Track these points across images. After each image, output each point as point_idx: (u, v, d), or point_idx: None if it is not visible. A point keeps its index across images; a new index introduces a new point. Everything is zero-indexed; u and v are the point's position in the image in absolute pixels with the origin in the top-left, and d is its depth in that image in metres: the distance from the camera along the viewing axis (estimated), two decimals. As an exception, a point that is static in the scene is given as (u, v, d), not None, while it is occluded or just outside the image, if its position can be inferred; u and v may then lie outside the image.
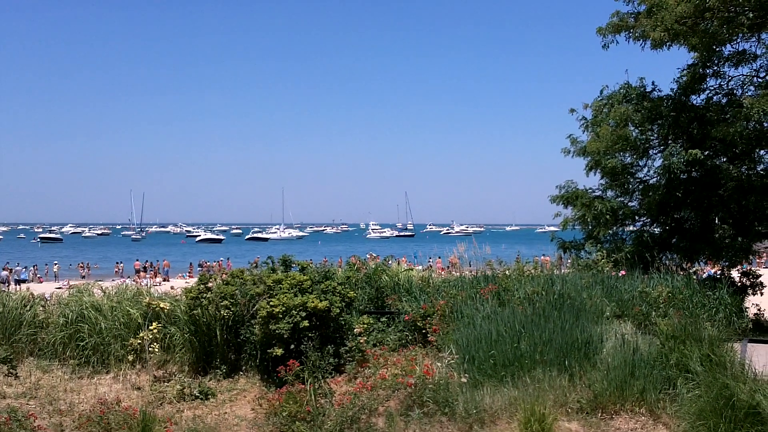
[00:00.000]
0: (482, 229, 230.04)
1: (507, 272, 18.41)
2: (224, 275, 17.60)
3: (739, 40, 19.69)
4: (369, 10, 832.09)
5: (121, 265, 69.38)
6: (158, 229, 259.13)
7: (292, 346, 14.91)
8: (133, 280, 40.35)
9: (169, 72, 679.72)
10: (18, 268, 57.72)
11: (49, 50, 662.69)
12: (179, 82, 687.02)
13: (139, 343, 16.28)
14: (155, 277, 58.17)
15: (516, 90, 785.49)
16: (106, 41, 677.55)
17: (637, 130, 20.73)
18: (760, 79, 20.12)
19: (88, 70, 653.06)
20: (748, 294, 19.71)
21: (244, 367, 16.08)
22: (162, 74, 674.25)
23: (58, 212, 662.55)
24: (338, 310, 15.43)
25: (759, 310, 19.22)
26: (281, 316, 14.93)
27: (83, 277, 59.55)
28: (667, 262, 20.26)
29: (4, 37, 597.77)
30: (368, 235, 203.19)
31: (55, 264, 69.73)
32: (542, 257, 26.16)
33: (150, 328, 16.41)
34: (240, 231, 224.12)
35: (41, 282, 58.70)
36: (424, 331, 15.77)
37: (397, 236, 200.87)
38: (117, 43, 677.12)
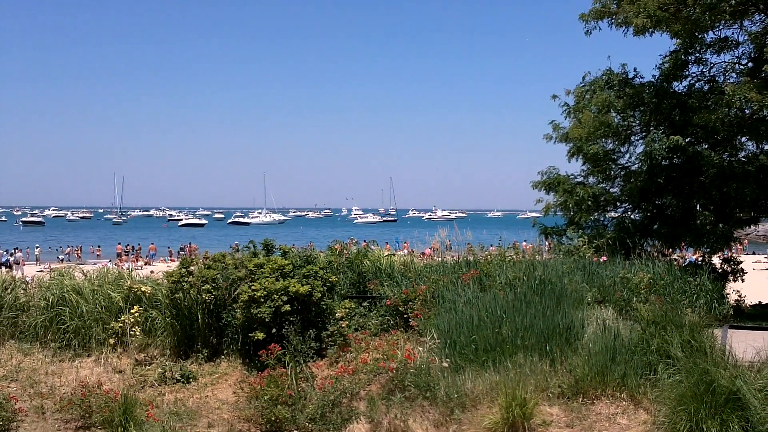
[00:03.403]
0: (464, 214, 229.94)
1: (489, 258, 18.43)
2: (205, 259, 17.56)
3: (721, 27, 19.78)
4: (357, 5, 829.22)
5: (71, 248, 69.29)
6: (141, 213, 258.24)
7: (274, 330, 14.93)
8: (115, 264, 40.27)
9: (153, 56, 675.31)
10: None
11: (30, 29, 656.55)
12: (163, 66, 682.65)
13: (120, 327, 16.24)
14: (137, 260, 57.95)
15: (499, 76, 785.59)
16: (89, 22, 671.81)
17: (619, 117, 20.75)
18: (742, 66, 20.19)
19: (71, 50, 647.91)
20: (729, 280, 19.77)
21: (225, 351, 16.07)
22: (145, 58, 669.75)
23: (40, 195, 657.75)
24: (320, 295, 15.43)
25: (740, 296, 19.28)
26: (263, 300, 14.93)
27: (61, 260, 59.13)
28: (648, 248, 20.30)
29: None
30: (355, 221, 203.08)
31: (37, 247, 69.46)
32: (523, 243, 26.18)
33: (131, 311, 16.38)
34: (222, 215, 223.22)
35: (23, 265, 58.30)
36: (405, 315, 15.77)
37: (383, 221, 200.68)
38: (100, 23, 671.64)
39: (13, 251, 62.43)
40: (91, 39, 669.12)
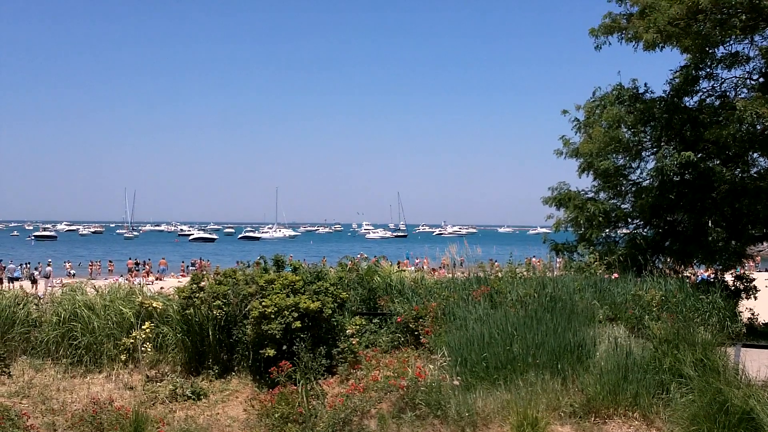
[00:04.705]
0: (475, 230, 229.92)
1: (499, 274, 18.40)
2: (216, 275, 17.58)
3: (732, 41, 19.69)
4: (365, 7, 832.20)
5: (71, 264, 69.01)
6: (152, 228, 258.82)
7: (285, 347, 14.90)
8: (126, 279, 40.33)
9: (164, 71, 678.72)
10: (11, 266, 57.45)
11: (42, 41, 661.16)
12: (173, 82, 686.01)
13: (131, 343, 16.27)
14: (148, 275, 57.98)
15: (510, 90, 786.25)
16: (101, 35, 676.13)
17: (629, 132, 20.70)
18: (753, 81, 20.12)
19: (81, 62, 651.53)
20: (742, 298, 19.57)
21: (236, 368, 16.07)
22: (156, 73, 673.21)
23: (52, 210, 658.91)
24: (330, 311, 15.41)
25: (752, 314, 19.11)
26: (273, 316, 14.92)
27: (72, 275, 59.04)
28: (660, 265, 20.21)
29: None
30: (367, 236, 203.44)
31: (49, 262, 69.53)
32: (533, 259, 26.14)
33: (143, 327, 16.41)
34: (233, 230, 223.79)
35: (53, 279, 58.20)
36: (416, 332, 15.76)
37: (395, 236, 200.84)
38: (111, 37, 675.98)
39: (24, 264, 62.59)
40: (101, 50, 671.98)
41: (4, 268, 56.13)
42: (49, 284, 39.84)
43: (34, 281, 49.10)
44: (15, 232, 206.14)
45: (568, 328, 14.07)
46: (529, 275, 18.19)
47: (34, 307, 17.93)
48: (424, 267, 38.46)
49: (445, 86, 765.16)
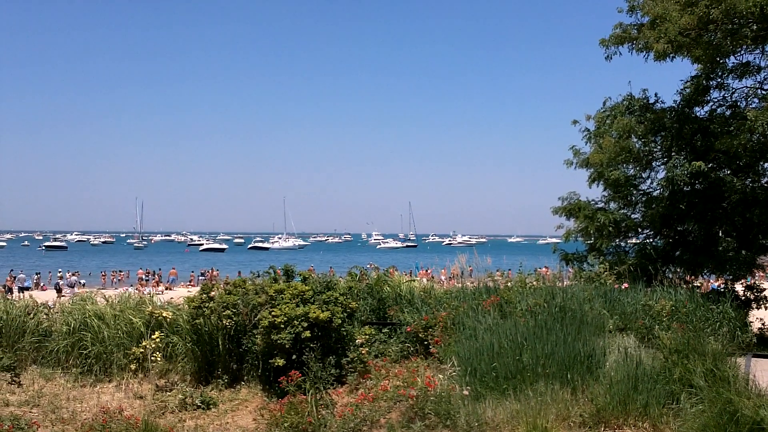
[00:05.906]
0: (484, 240, 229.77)
1: (509, 284, 18.38)
2: (226, 284, 17.62)
3: (743, 51, 19.65)
4: (377, 20, 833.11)
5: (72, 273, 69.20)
6: (162, 238, 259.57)
7: (294, 357, 14.92)
8: (136, 289, 40.42)
9: (172, 80, 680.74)
10: (21, 275, 57.68)
11: (45, 48, 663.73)
12: (183, 91, 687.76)
13: (141, 352, 16.32)
14: (158, 285, 58.09)
15: (519, 99, 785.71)
16: (109, 43, 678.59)
17: (640, 142, 20.69)
18: (764, 91, 20.06)
19: (90, 75, 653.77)
20: (753, 308, 19.55)
21: (246, 377, 16.09)
22: (165, 82, 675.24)
23: (62, 220, 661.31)
24: (340, 321, 15.42)
25: (763, 324, 19.08)
26: (283, 326, 14.94)
27: (83, 284, 59.21)
28: (670, 275, 20.15)
29: (5, 34, 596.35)
30: (378, 246, 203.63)
31: (59, 272, 69.71)
32: (543, 269, 26.06)
33: (152, 337, 16.47)
34: (242, 240, 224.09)
35: (45, 290, 58.56)
36: (425, 342, 15.75)
37: (406, 247, 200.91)
38: (118, 45, 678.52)
39: (35, 274, 62.74)
40: (106, 58, 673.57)
41: (15, 278, 56.32)
42: (74, 293, 40.04)
43: (59, 290, 49.30)
44: (25, 242, 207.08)
45: (577, 338, 14.02)
46: (538, 285, 18.16)
47: (45, 316, 18.00)
48: (442, 277, 38.33)
49: (455, 95, 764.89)
